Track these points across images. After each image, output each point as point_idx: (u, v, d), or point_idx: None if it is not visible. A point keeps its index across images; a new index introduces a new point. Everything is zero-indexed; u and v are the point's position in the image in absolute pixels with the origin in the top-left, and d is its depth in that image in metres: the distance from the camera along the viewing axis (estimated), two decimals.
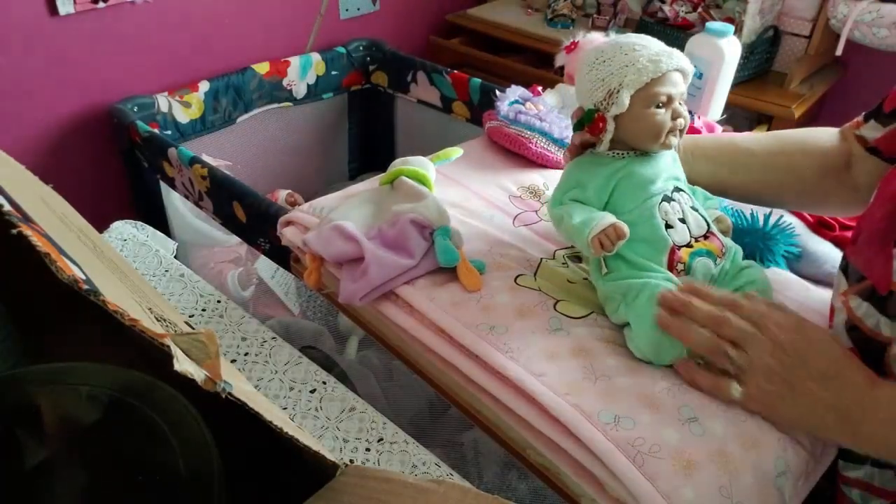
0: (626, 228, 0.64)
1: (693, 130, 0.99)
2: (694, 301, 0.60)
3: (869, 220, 0.60)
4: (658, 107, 0.66)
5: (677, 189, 0.69)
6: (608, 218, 0.65)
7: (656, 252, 0.66)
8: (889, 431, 0.53)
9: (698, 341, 0.59)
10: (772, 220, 0.81)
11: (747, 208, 0.86)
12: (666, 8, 1.79)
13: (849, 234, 0.85)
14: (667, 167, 0.70)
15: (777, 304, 0.62)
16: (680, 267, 0.66)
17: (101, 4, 1.38)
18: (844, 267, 0.63)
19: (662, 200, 0.67)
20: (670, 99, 0.67)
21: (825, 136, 0.77)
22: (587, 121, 0.69)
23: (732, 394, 0.58)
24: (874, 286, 0.57)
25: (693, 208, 0.69)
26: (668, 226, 0.66)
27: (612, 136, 0.69)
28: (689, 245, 0.66)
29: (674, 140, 0.68)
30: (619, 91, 0.66)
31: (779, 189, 0.78)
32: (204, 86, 1.55)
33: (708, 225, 0.68)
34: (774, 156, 0.77)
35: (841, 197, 0.76)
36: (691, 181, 0.75)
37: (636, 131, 0.68)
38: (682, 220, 0.67)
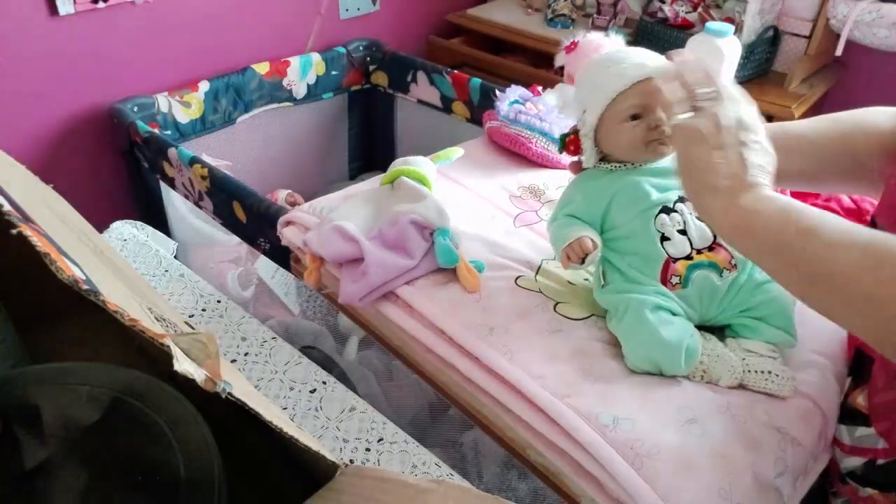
0: (588, 244, 0.65)
1: None
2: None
3: None
4: (633, 118, 0.65)
5: (683, 199, 0.67)
6: (578, 232, 0.66)
7: (650, 265, 0.65)
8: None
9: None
10: None
11: None
12: (666, 8, 1.78)
13: None
14: (672, 176, 0.68)
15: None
16: (675, 280, 0.64)
17: (101, 4, 1.38)
18: None
19: (661, 212, 0.66)
20: (646, 109, 0.65)
21: (882, 115, 0.73)
22: (560, 145, 0.71)
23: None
24: None
25: (700, 218, 0.67)
26: (664, 238, 0.65)
27: (603, 151, 0.69)
28: (688, 257, 0.65)
29: (664, 148, 0.66)
30: (585, 112, 0.67)
31: (836, 172, 0.74)
32: (204, 86, 1.55)
33: (714, 236, 0.66)
34: (830, 139, 0.73)
35: None
36: None
37: (614, 147, 0.68)
38: (683, 232, 0.66)
